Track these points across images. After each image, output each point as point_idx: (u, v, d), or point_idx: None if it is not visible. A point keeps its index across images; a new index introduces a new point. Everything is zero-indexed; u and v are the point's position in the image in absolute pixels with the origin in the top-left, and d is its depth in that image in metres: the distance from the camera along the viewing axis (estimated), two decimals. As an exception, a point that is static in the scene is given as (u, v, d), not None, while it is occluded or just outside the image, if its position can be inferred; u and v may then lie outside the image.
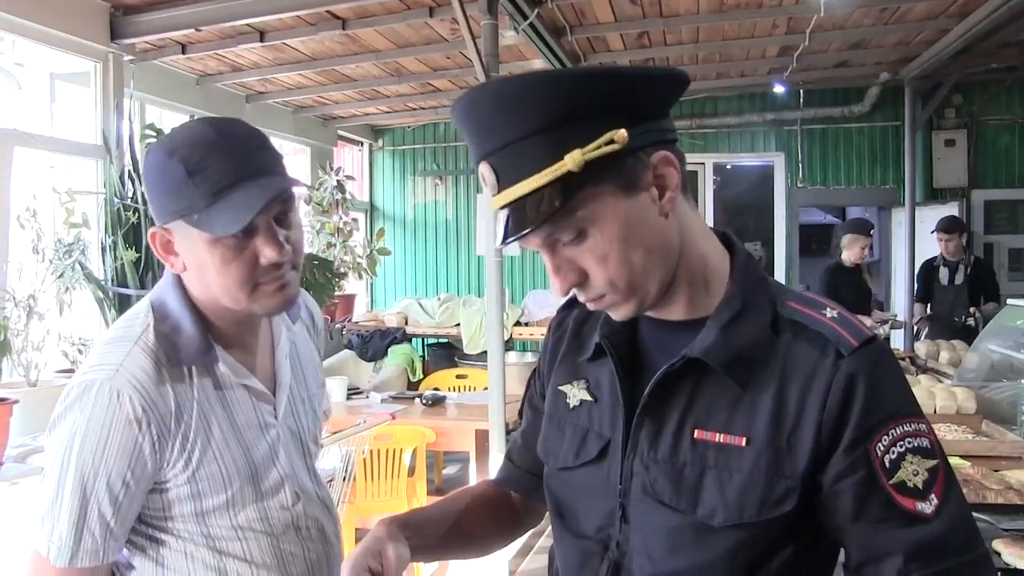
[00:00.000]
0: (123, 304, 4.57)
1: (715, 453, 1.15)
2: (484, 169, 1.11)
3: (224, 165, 1.45)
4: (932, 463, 1.11)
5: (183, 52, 5.95)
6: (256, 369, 1.65)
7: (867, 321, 6.25)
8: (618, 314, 1.19)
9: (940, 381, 4.32)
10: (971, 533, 1.11)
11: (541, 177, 1.05)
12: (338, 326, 6.89)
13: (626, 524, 1.21)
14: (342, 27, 5.75)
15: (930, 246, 7.49)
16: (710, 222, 9.68)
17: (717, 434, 1.15)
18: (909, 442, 1.10)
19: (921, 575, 1.08)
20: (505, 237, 1.10)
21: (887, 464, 1.09)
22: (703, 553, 1.14)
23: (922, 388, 3.89)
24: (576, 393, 1.33)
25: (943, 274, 6.82)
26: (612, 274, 1.12)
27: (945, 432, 3.42)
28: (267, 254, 1.48)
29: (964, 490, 2.57)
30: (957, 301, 6.61)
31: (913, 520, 1.08)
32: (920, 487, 1.09)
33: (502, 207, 1.10)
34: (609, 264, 1.12)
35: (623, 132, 1.06)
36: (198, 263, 1.51)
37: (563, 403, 1.35)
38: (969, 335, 5.68)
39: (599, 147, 1.05)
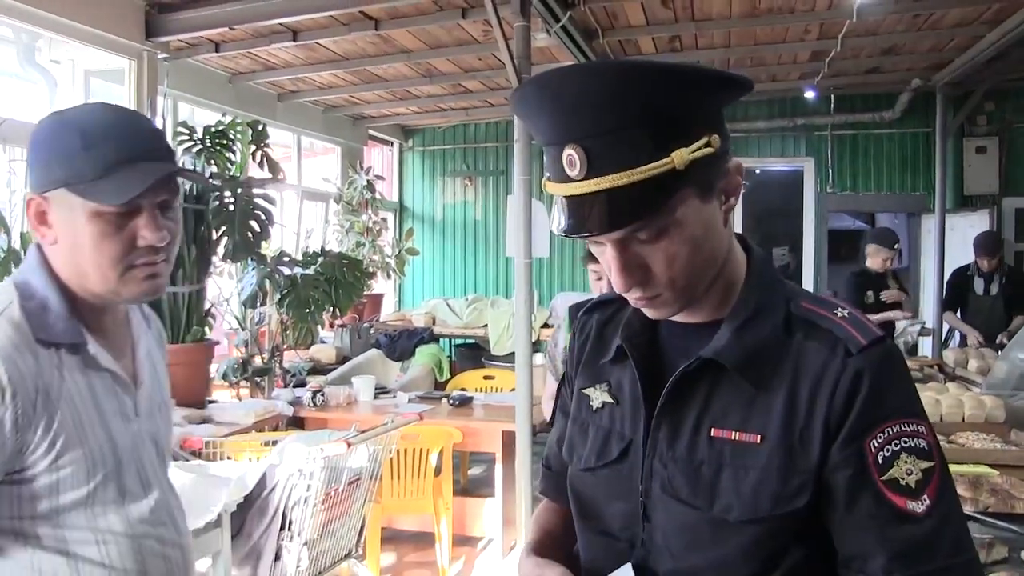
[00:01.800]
0: (154, 300, 4.61)
1: (731, 450, 1.16)
2: (573, 151, 1.06)
3: (120, 144, 1.44)
4: (928, 464, 1.11)
5: (216, 50, 6.01)
6: (121, 361, 1.59)
7: (898, 317, 6.26)
8: (659, 313, 1.20)
9: (969, 389, 4.29)
10: (961, 537, 1.11)
11: (646, 170, 1.03)
12: (366, 325, 6.92)
13: (648, 523, 1.23)
14: (375, 27, 5.79)
15: (959, 253, 7.41)
16: (739, 227, 9.70)
17: (733, 432, 1.17)
18: (905, 441, 1.11)
19: (906, 573, 1.09)
20: (591, 229, 1.07)
21: (880, 460, 1.10)
22: (720, 548, 1.16)
23: (951, 396, 3.86)
24: (599, 396, 1.35)
25: (978, 284, 6.71)
26: (676, 275, 1.13)
27: (973, 441, 3.39)
28: (147, 235, 1.46)
29: (992, 499, 2.58)
30: (993, 312, 6.52)
31: (902, 518, 1.09)
32: (913, 486, 1.10)
33: (586, 193, 1.06)
34: (676, 265, 1.12)
35: (717, 136, 1.07)
36: (73, 236, 1.46)
37: (586, 405, 1.36)
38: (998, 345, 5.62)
39: (699, 148, 1.05)
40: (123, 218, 1.45)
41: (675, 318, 1.24)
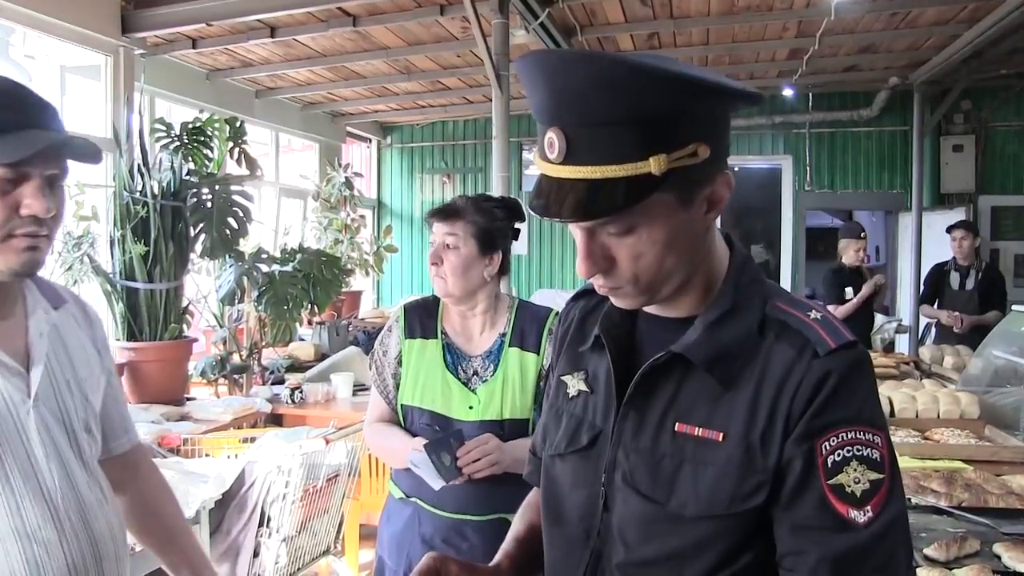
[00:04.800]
0: (130, 297, 4.60)
1: (693, 446, 1.17)
2: (554, 135, 1.06)
3: (14, 113, 1.42)
4: (877, 476, 1.10)
5: (194, 47, 5.98)
6: (4, 342, 1.53)
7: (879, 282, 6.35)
8: (623, 303, 1.21)
9: (944, 386, 4.32)
10: (895, 555, 1.10)
11: (621, 169, 1.03)
12: (344, 323, 6.90)
13: (607, 512, 1.24)
14: (353, 24, 5.77)
15: (936, 251, 7.47)
16: (717, 224, 9.72)
17: (696, 428, 1.17)
18: (858, 449, 1.10)
19: None
20: (556, 214, 1.08)
21: (829, 464, 1.10)
22: (674, 542, 1.17)
23: (926, 393, 3.89)
24: (575, 384, 1.36)
25: (954, 278, 6.77)
26: (640, 272, 1.14)
27: (948, 437, 3.42)
28: (32, 205, 1.43)
29: (966, 495, 2.61)
30: (968, 306, 6.57)
31: (842, 525, 1.09)
32: (858, 495, 1.09)
33: (562, 178, 1.07)
34: (641, 262, 1.13)
35: (706, 147, 1.07)
36: None
37: (563, 392, 1.38)
38: (974, 340, 5.67)
39: (682, 157, 1.05)
40: (10, 184, 1.42)
41: (653, 311, 1.26)
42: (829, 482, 1.10)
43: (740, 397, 1.15)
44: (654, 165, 1.03)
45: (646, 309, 1.26)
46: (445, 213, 2.35)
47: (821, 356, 1.12)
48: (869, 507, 1.09)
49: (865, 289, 6.23)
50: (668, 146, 1.04)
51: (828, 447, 1.10)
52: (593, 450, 1.28)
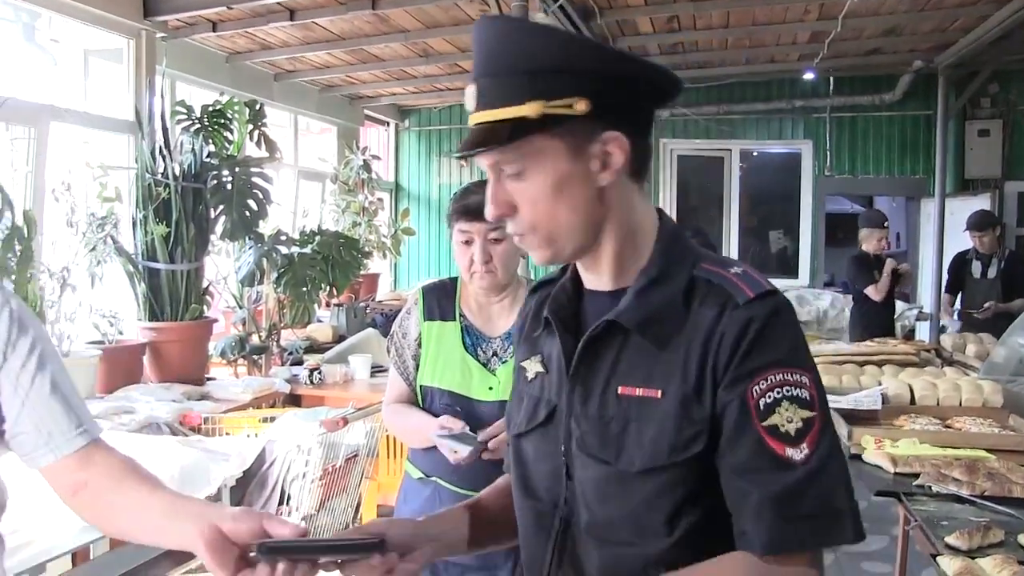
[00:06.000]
0: (152, 278, 4.63)
1: (636, 406, 1.24)
2: (473, 87, 1.22)
3: None
4: (809, 414, 1.15)
5: (214, 30, 5.97)
6: None
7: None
8: (536, 257, 1.30)
9: (967, 374, 4.30)
10: (834, 489, 1.14)
11: (503, 112, 1.18)
12: (362, 304, 6.92)
13: (570, 480, 1.31)
14: (372, 7, 5.75)
15: (959, 238, 7.41)
16: (735, 209, 9.72)
17: (637, 389, 1.24)
18: (788, 390, 1.15)
19: (776, 516, 1.12)
20: (460, 149, 1.24)
21: (762, 406, 1.15)
22: (627, 500, 1.25)
23: (948, 381, 3.86)
24: (532, 367, 1.43)
25: (976, 267, 6.72)
26: (536, 218, 1.24)
27: (970, 425, 3.40)
28: None
29: (989, 484, 2.60)
30: (990, 295, 6.53)
31: (780, 464, 1.13)
32: (792, 434, 1.14)
33: (475, 124, 1.22)
34: (536, 209, 1.23)
35: (584, 102, 1.16)
36: None
37: (523, 377, 1.45)
38: (997, 328, 5.64)
39: (558, 107, 1.16)
40: None
41: (593, 287, 1.35)
42: (763, 424, 1.14)
43: (674, 355, 1.22)
44: (530, 109, 1.16)
45: (587, 286, 1.35)
46: (481, 211, 2.34)
47: (741, 306, 1.18)
48: (804, 444, 1.14)
49: (886, 269, 6.24)
50: (547, 95, 1.16)
51: (759, 390, 1.15)
52: (551, 424, 1.35)
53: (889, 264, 6.30)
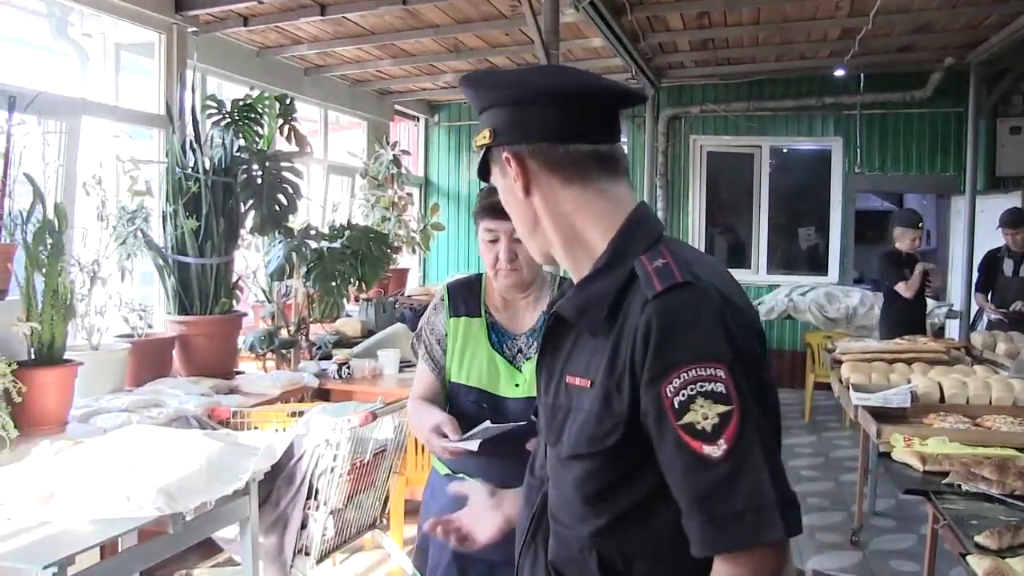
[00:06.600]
0: (182, 272, 4.67)
1: (576, 395, 1.30)
2: None
3: None
4: (724, 408, 1.13)
5: (245, 25, 6.02)
6: None
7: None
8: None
9: (996, 372, 4.26)
10: (759, 481, 1.12)
11: (475, 140, 1.45)
12: (391, 299, 6.93)
13: (546, 460, 1.42)
14: (402, 2, 5.77)
15: (989, 236, 7.33)
16: (765, 206, 9.66)
17: (577, 378, 1.30)
18: (701, 386, 1.13)
19: (703, 517, 1.13)
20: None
21: (676, 405, 1.14)
22: (562, 483, 1.33)
23: (978, 379, 3.84)
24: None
25: (1007, 265, 6.65)
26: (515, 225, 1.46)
27: (1000, 424, 3.37)
28: None
29: (1019, 483, 2.57)
30: (1022, 293, 6.45)
31: (700, 462, 1.13)
32: (709, 431, 1.13)
33: None
34: (512, 219, 1.46)
35: (488, 131, 1.39)
36: None
37: None
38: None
39: (480, 139, 1.41)
40: None
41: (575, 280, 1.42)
42: (679, 423, 1.14)
43: (606, 346, 1.25)
44: (475, 144, 1.44)
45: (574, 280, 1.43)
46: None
47: (650, 300, 1.19)
48: (722, 440, 1.12)
49: (917, 269, 6.19)
50: (477, 132, 1.42)
51: (672, 389, 1.14)
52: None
53: (920, 267, 6.24)
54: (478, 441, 2.15)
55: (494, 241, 2.35)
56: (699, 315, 1.18)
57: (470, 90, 1.43)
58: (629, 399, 1.19)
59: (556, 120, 1.34)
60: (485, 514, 1.71)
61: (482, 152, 1.43)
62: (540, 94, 1.35)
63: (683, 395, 1.13)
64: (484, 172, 1.46)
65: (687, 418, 1.13)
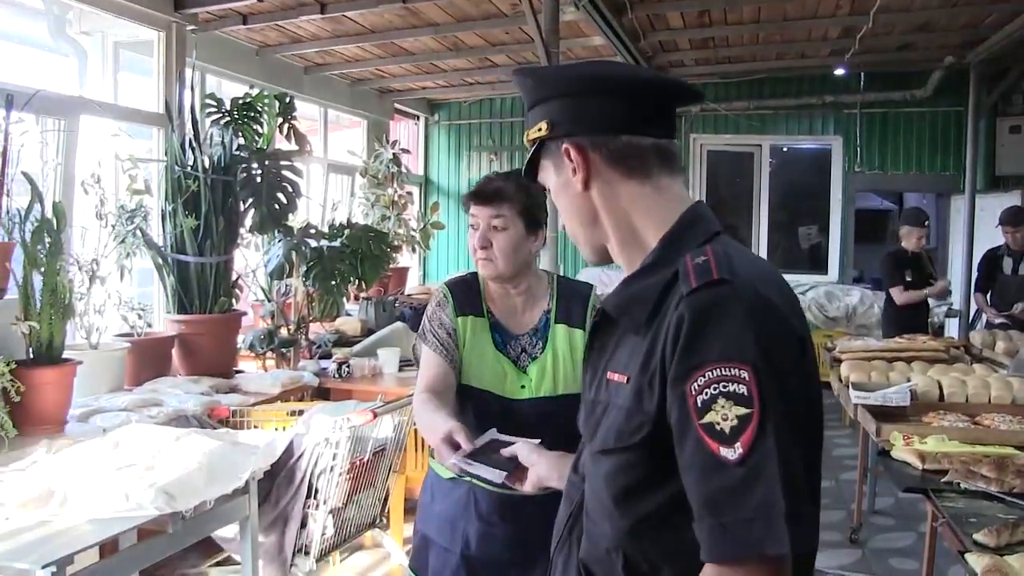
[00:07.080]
0: (181, 270, 4.66)
1: (615, 391, 1.29)
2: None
3: None
4: (744, 411, 1.10)
5: (244, 23, 6.02)
6: None
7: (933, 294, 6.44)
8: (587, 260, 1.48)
9: (995, 371, 4.26)
10: (771, 490, 1.08)
11: (527, 135, 1.44)
12: (391, 298, 6.92)
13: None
14: (402, 0, 5.77)
15: (989, 235, 7.32)
16: (765, 204, 9.66)
17: (615, 374, 1.29)
18: (724, 386, 1.11)
19: (713, 522, 1.10)
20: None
21: (699, 404, 1.12)
22: (594, 479, 1.33)
23: (977, 378, 3.84)
24: None
25: (1007, 263, 6.64)
26: (567, 228, 1.45)
27: (999, 423, 3.37)
28: None
29: (1018, 481, 2.57)
30: (1020, 292, 6.45)
31: (716, 464, 1.10)
32: (727, 432, 1.10)
33: None
34: (563, 220, 1.44)
35: (546, 123, 1.38)
36: None
37: None
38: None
39: (533, 133, 1.41)
40: None
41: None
42: (700, 422, 1.12)
43: (644, 343, 1.24)
44: (526, 140, 1.43)
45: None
46: (487, 196, 2.33)
47: (685, 297, 1.17)
48: (739, 443, 1.09)
49: (936, 287, 6.23)
50: (529, 126, 1.43)
51: (696, 387, 1.12)
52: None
53: (939, 288, 6.37)
54: (500, 473, 1.88)
55: (476, 227, 2.34)
56: (729, 313, 1.15)
57: (529, 80, 1.42)
58: (659, 396, 1.18)
59: (618, 111, 1.34)
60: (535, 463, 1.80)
61: (533, 148, 1.42)
62: (603, 84, 1.35)
63: (706, 394, 1.11)
64: (532, 169, 1.46)
65: (708, 417, 1.11)
